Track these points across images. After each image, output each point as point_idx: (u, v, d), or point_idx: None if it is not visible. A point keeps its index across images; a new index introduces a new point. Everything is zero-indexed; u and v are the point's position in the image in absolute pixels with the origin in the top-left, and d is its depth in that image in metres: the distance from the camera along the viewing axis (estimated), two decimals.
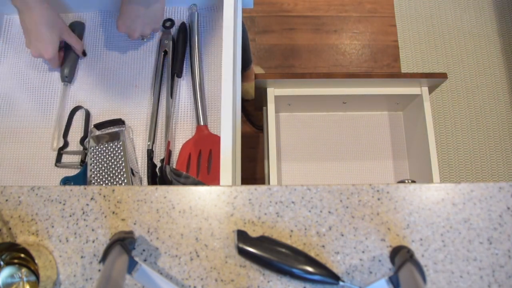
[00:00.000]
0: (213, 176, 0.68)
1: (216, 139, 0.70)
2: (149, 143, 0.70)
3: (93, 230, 0.47)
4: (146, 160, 0.70)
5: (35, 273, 0.44)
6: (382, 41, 1.59)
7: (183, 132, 0.73)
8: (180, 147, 0.71)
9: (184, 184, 0.67)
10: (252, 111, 1.43)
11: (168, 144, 0.70)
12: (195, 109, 0.73)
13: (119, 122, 0.72)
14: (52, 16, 0.68)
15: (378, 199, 0.47)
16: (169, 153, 0.70)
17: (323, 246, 0.46)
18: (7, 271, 0.44)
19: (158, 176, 0.69)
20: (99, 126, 0.71)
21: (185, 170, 0.69)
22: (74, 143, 0.73)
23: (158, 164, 0.70)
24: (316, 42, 1.58)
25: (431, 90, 1.07)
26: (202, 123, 0.72)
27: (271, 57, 1.56)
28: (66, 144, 0.72)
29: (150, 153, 0.70)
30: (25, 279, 0.44)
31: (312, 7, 1.63)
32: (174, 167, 0.69)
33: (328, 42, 1.59)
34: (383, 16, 1.62)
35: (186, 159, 0.70)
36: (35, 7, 0.65)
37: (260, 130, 1.47)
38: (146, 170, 0.69)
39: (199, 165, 0.69)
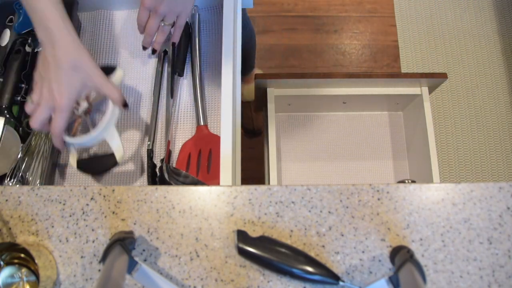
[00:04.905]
0: (213, 175, 0.68)
1: (216, 139, 0.70)
2: (149, 143, 0.70)
3: (93, 230, 0.47)
4: (146, 160, 0.70)
5: (35, 273, 0.44)
6: (382, 41, 1.59)
7: (183, 132, 0.73)
8: (180, 147, 0.71)
9: (183, 183, 0.67)
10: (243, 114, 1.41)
11: (168, 143, 0.70)
12: (195, 109, 0.73)
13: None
14: (80, 55, 0.54)
15: (378, 199, 0.47)
16: (169, 153, 0.70)
17: (323, 246, 0.46)
18: (7, 271, 0.44)
19: (158, 175, 0.69)
20: None
21: (185, 169, 0.69)
22: None
23: (158, 164, 0.70)
24: (316, 42, 1.58)
25: (431, 90, 1.07)
26: (202, 123, 0.72)
27: (271, 57, 1.56)
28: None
29: (150, 153, 0.70)
30: (25, 279, 0.44)
31: (312, 7, 1.63)
32: (174, 166, 0.69)
33: (328, 42, 1.59)
34: (383, 16, 1.62)
35: (186, 159, 0.70)
36: (60, 39, 0.52)
37: (252, 135, 1.46)
38: (146, 170, 0.69)
39: (199, 164, 0.69)
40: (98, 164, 0.69)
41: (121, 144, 0.64)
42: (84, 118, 0.65)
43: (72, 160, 0.68)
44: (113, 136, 0.63)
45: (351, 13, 1.62)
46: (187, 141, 0.71)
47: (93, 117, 0.71)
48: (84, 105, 0.61)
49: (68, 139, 0.61)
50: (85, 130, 0.68)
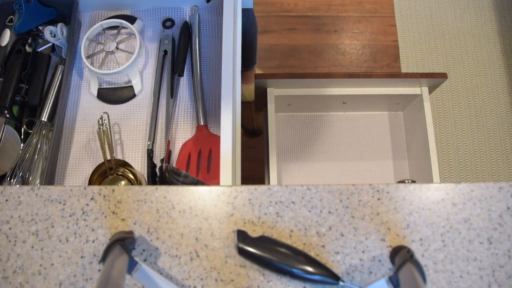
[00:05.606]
0: (212, 175, 0.68)
1: (216, 139, 0.70)
2: (149, 142, 0.70)
3: (93, 230, 0.47)
4: (146, 160, 0.70)
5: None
6: (382, 41, 1.59)
7: (183, 132, 0.73)
8: (180, 147, 0.71)
9: (183, 183, 0.67)
10: (244, 114, 1.42)
11: (168, 143, 0.70)
12: (195, 109, 0.73)
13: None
14: None
15: (378, 199, 0.47)
16: (169, 153, 0.70)
17: (323, 246, 0.46)
18: None
19: (158, 175, 0.69)
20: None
21: (185, 169, 0.69)
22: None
23: (158, 164, 0.70)
24: (316, 42, 1.58)
25: (431, 90, 1.07)
26: (202, 123, 0.72)
27: (271, 57, 1.56)
28: None
29: (150, 153, 0.69)
30: None
31: (312, 7, 1.62)
32: (173, 166, 0.69)
33: (328, 42, 1.59)
34: (383, 16, 1.62)
35: (186, 159, 0.69)
36: None
37: (252, 135, 1.46)
38: (146, 170, 0.69)
39: (199, 164, 0.69)
40: (117, 95, 0.75)
41: (141, 81, 0.75)
42: (110, 55, 0.77)
43: (94, 89, 0.75)
44: (135, 73, 0.74)
45: (351, 13, 1.62)
46: (187, 141, 0.71)
47: (118, 55, 0.78)
48: (113, 44, 0.75)
49: (97, 70, 0.73)
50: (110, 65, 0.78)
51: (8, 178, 0.67)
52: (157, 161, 0.70)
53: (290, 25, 1.60)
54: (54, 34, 0.73)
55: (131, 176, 0.69)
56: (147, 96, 0.75)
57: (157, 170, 0.69)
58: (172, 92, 0.74)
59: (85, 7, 0.80)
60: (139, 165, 0.71)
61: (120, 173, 0.70)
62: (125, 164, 0.68)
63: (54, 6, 0.76)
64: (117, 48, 0.76)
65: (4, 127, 0.69)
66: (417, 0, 1.65)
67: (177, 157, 0.71)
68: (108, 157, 0.68)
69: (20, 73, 0.72)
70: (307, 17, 1.61)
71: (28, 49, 0.74)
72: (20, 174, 0.67)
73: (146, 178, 0.69)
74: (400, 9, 1.63)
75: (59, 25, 0.74)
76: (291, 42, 1.58)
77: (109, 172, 0.68)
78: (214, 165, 0.69)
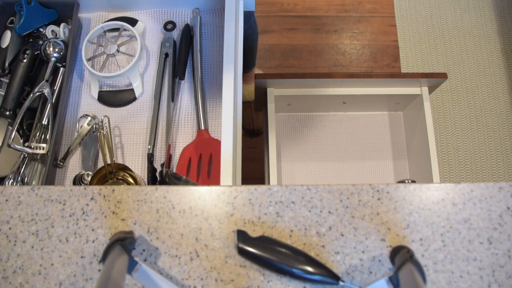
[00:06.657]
0: (213, 180, 0.68)
1: (216, 144, 0.70)
2: (149, 146, 0.70)
3: (93, 230, 0.47)
4: (146, 164, 0.70)
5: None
6: (382, 41, 1.59)
7: (184, 136, 0.73)
8: (181, 151, 0.71)
9: None
10: (244, 115, 1.41)
11: (168, 148, 0.70)
12: (196, 113, 0.73)
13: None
14: None
15: (378, 199, 0.47)
16: (169, 157, 0.70)
17: (323, 246, 0.46)
18: None
19: (158, 180, 0.69)
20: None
21: (185, 174, 0.68)
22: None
23: (159, 168, 0.70)
24: (316, 42, 1.58)
25: (431, 90, 1.07)
26: (203, 127, 0.71)
27: (271, 57, 1.56)
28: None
29: (150, 157, 0.69)
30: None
31: (312, 7, 1.63)
32: (174, 171, 0.69)
33: (328, 42, 1.59)
34: (383, 16, 1.62)
35: (187, 163, 0.69)
36: None
37: (252, 135, 1.46)
38: (146, 174, 0.69)
39: (199, 169, 0.69)
40: (117, 98, 0.75)
41: (141, 84, 0.75)
42: (111, 58, 0.77)
43: (94, 92, 0.75)
44: (136, 76, 0.74)
45: (351, 13, 1.62)
46: (188, 145, 0.71)
47: (119, 58, 0.78)
48: (114, 46, 0.76)
49: (98, 73, 0.73)
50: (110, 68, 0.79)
51: (8, 179, 0.67)
52: (157, 165, 0.70)
53: (290, 25, 1.60)
54: (56, 34, 0.74)
55: (131, 180, 0.69)
56: (147, 100, 0.75)
57: (157, 174, 0.69)
58: (173, 96, 0.74)
59: (86, 9, 0.80)
60: (139, 169, 0.71)
61: (120, 177, 0.70)
62: (125, 168, 0.68)
63: (55, 8, 0.77)
64: (118, 50, 0.76)
65: (10, 130, 0.69)
66: (417, 0, 1.65)
67: (177, 161, 0.70)
68: (108, 161, 0.68)
69: (26, 76, 0.72)
70: (307, 17, 1.61)
71: (31, 51, 0.74)
72: (20, 175, 0.67)
73: (146, 182, 0.69)
74: (400, 9, 1.63)
75: (62, 25, 0.74)
76: (291, 42, 1.58)
77: (109, 176, 0.68)
78: (214, 170, 0.69)
